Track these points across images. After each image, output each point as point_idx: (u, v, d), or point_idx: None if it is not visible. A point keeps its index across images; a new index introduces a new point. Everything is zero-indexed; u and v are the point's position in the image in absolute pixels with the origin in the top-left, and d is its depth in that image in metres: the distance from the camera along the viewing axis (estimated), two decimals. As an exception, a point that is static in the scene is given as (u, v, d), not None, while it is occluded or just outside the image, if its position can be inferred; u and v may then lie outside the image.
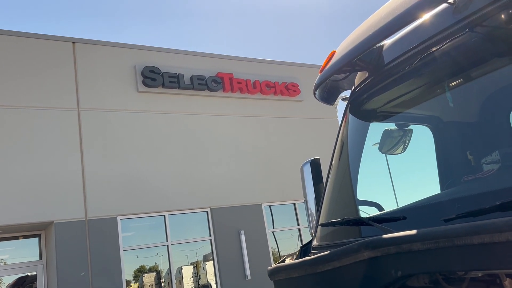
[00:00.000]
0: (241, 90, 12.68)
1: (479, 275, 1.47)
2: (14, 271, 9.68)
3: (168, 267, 10.64)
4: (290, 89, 13.52)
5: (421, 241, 1.36)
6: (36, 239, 10.13)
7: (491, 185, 1.81)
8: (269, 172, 12.26)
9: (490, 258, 1.26)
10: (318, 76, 2.65)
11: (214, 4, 38.05)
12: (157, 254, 10.74)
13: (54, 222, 9.32)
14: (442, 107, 2.55)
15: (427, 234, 1.36)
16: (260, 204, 12.05)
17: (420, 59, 2.17)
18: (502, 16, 1.87)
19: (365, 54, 2.35)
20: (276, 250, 12.26)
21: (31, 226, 9.54)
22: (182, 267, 11.08)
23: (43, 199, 9.33)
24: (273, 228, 12.28)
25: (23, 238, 10.18)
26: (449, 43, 2.03)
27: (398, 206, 2.27)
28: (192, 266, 11.28)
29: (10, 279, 9.65)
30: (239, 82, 12.66)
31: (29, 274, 9.79)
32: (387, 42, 2.42)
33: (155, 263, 10.78)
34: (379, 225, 1.83)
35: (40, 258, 9.96)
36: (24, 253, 10.19)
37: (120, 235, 10.00)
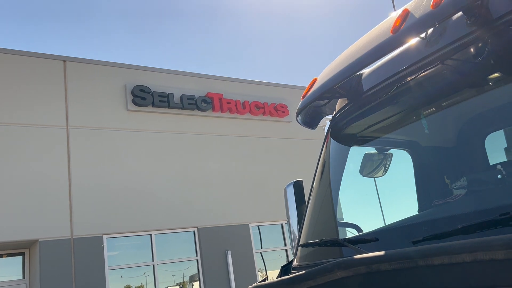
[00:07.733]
0: (230, 110, 12.80)
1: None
2: (-4, 290, 9.53)
3: (154, 287, 10.54)
4: (279, 110, 13.69)
5: (388, 262, 1.45)
6: (20, 257, 10.00)
7: (457, 209, 1.91)
8: (256, 192, 12.31)
9: (449, 278, 1.35)
10: (300, 101, 2.76)
11: (204, 24, 38.55)
12: (143, 273, 10.65)
13: (39, 240, 9.24)
14: (420, 133, 2.66)
15: (393, 255, 1.45)
16: (248, 224, 12.06)
17: (397, 87, 2.30)
18: (471, 49, 2.01)
19: (345, 82, 2.47)
20: (263, 270, 12.22)
21: (15, 244, 9.44)
22: None
23: (28, 217, 9.26)
24: (261, 248, 12.27)
25: (6, 257, 10.05)
26: (423, 74, 2.16)
27: (376, 228, 2.35)
28: (178, 287, 11.18)
29: (-8, 298, 9.49)
30: (228, 102, 12.80)
31: (12, 293, 9.64)
32: (365, 71, 2.55)
33: (141, 283, 10.68)
34: (353, 246, 1.91)
35: (24, 277, 9.82)
36: (7, 272, 10.04)
37: (106, 254, 9.93)
